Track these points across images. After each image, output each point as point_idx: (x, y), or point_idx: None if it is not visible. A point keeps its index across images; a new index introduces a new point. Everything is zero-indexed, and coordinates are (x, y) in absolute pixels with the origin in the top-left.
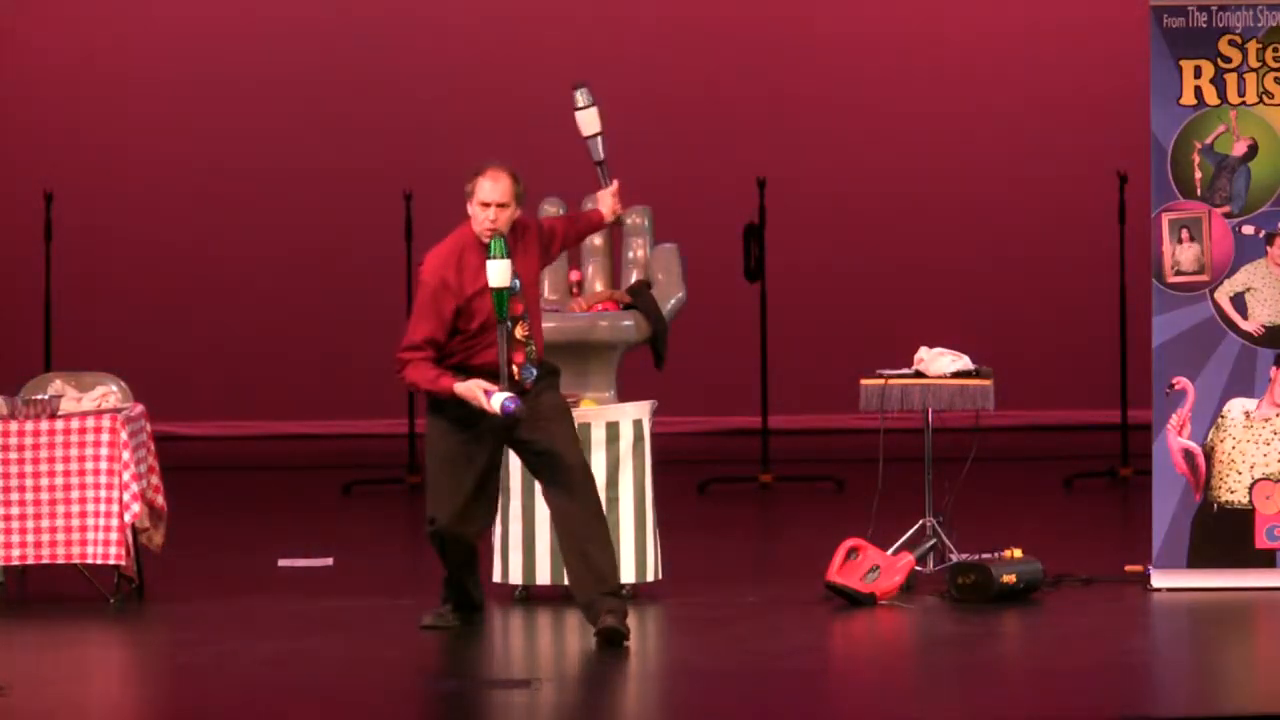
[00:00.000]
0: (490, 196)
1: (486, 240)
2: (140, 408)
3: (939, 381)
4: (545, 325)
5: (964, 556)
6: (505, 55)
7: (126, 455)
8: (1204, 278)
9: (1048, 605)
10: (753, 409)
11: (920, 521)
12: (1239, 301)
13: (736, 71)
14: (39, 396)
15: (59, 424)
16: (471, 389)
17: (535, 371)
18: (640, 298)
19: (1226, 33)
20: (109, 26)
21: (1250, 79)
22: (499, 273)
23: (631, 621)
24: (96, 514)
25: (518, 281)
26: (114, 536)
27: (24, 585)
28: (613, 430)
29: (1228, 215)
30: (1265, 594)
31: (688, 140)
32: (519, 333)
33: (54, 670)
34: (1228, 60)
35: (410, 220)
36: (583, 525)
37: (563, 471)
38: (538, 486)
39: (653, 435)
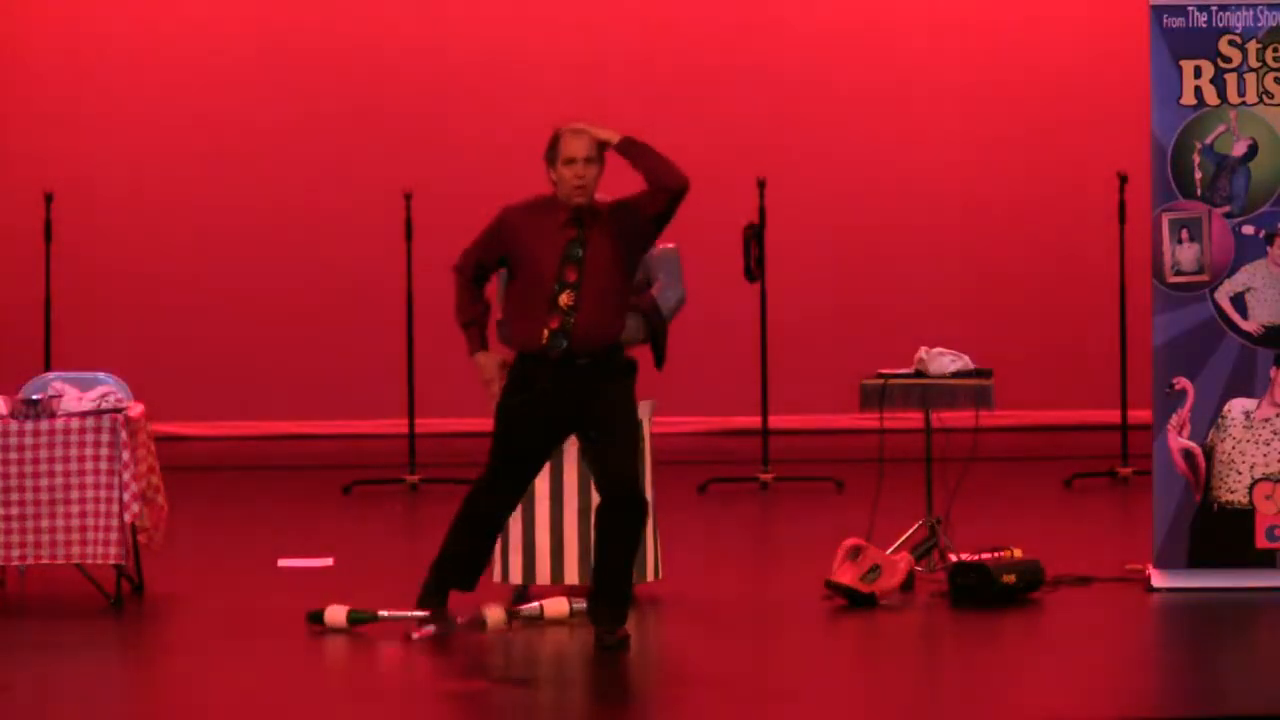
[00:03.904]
0: (577, 151)
1: (576, 202)
2: (140, 408)
3: (939, 381)
4: None
5: (964, 556)
6: (506, 56)
7: (126, 455)
8: (1204, 278)
9: (1048, 605)
10: (753, 409)
11: (920, 521)
12: (1239, 301)
13: (736, 71)
14: (39, 396)
15: (59, 424)
16: (485, 366)
17: (566, 343)
18: (639, 298)
19: (1226, 33)
20: (109, 27)
21: (1250, 79)
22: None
23: (631, 622)
24: (96, 514)
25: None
26: (114, 536)
27: (24, 585)
28: None
29: (1228, 215)
30: (1265, 594)
31: (688, 141)
32: (563, 300)
33: (54, 670)
34: (1228, 60)
35: (410, 220)
36: (608, 537)
37: (608, 480)
38: (536, 486)
39: (652, 435)
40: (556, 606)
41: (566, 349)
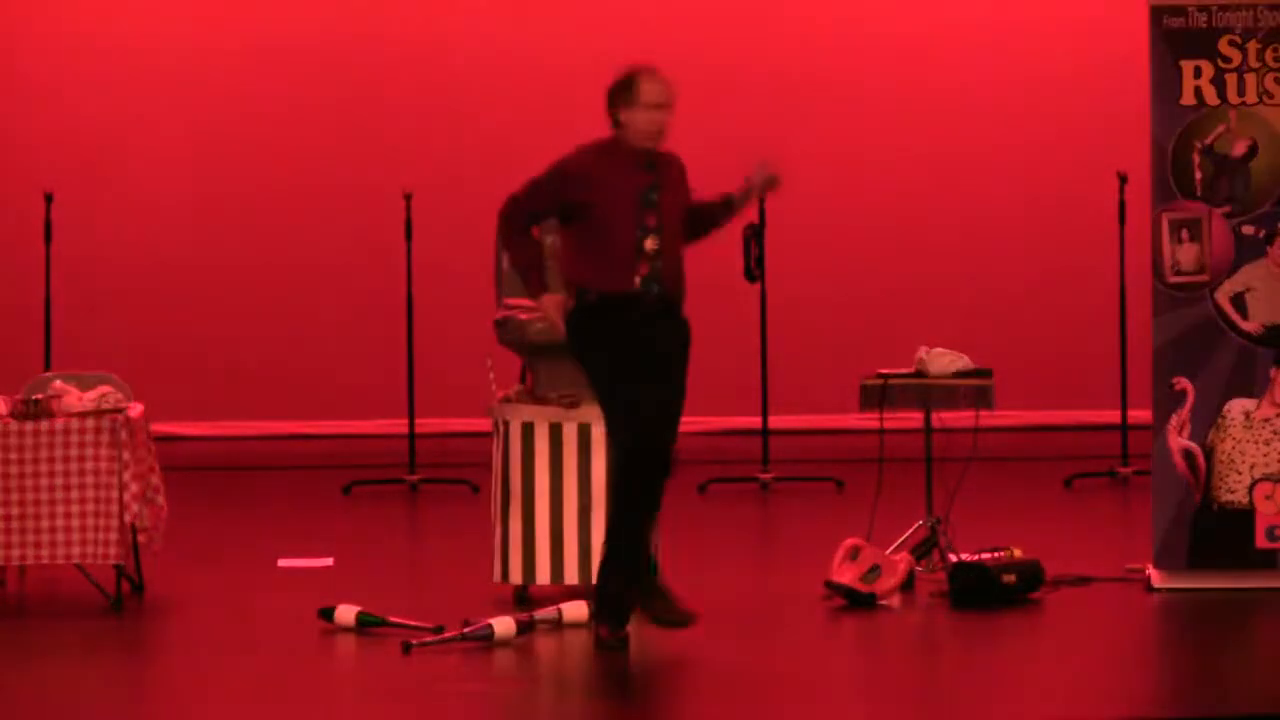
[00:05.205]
0: (660, 98)
1: (647, 146)
2: (140, 408)
3: (939, 381)
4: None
5: (964, 556)
6: (505, 56)
7: (126, 455)
8: (1204, 278)
9: (1048, 605)
10: (753, 409)
11: (920, 521)
12: (1239, 301)
13: (736, 71)
14: (39, 396)
15: (59, 424)
16: (550, 307)
17: (656, 288)
18: None
19: (1226, 33)
20: (109, 27)
21: (1250, 79)
22: None
23: (631, 623)
24: (96, 514)
25: None
26: (114, 536)
27: (24, 585)
28: None
29: (1228, 215)
30: (1265, 594)
31: (688, 140)
32: (648, 246)
33: (54, 670)
34: (1228, 60)
35: (410, 220)
36: (624, 505)
37: (649, 425)
38: (536, 486)
39: None
40: (575, 610)
41: (659, 294)
